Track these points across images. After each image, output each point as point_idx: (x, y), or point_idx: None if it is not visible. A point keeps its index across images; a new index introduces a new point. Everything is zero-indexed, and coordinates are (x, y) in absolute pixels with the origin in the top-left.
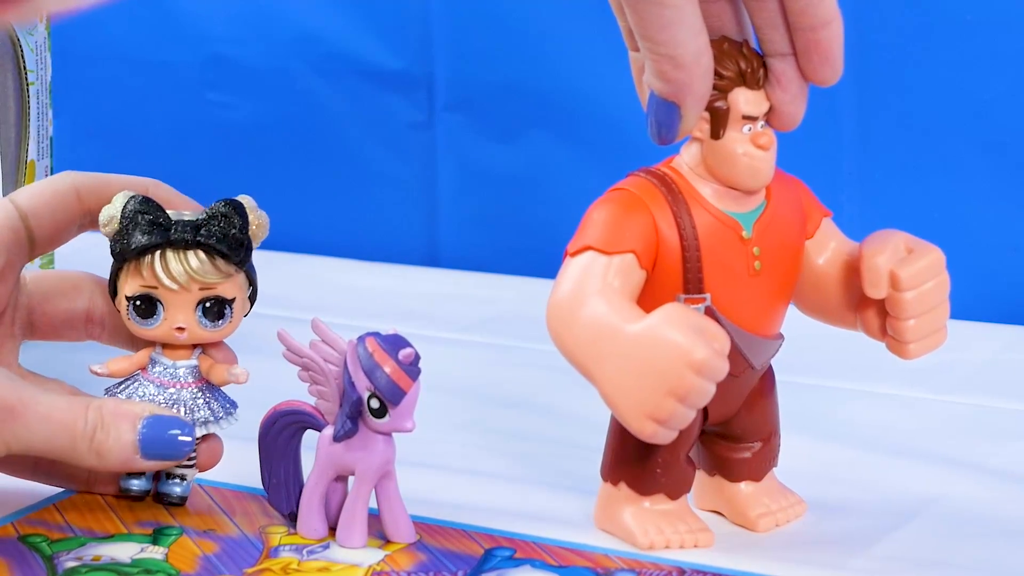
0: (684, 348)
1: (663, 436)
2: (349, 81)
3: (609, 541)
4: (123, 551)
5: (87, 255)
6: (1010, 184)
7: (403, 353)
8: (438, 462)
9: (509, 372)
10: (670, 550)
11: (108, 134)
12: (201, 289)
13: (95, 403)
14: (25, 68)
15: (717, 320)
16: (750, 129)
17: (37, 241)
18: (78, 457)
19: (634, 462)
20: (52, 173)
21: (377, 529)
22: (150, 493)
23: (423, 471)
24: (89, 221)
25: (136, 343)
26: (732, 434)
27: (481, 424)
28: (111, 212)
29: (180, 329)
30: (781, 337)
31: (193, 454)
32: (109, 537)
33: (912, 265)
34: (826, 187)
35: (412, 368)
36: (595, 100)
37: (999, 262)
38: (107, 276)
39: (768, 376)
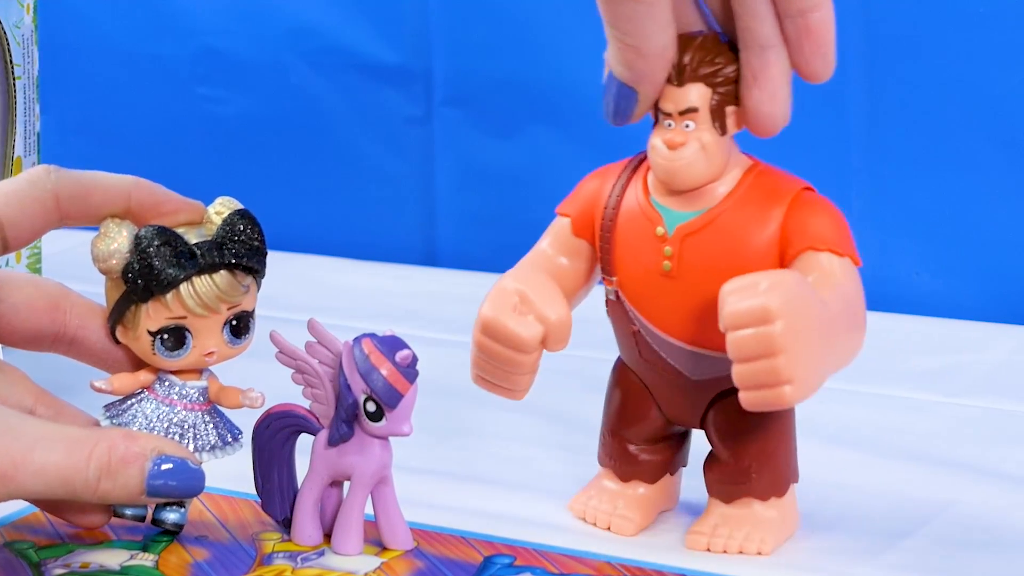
0: (480, 310)
1: (501, 394)
2: (344, 75)
3: (611, 548)
4: (112, 558)
5: (72, 254)
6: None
7: (400, 355)
8: (436, 467)
9: None
10: (586, 524)
11: (96, 129)
12: (229, 309)
13: (100, 447)
14: (11, 62)
15: (624, 310)
16: (671, 125)
17: (10, 245)
18: (81, 502)
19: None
20: None
21: (373, 536)
22: (145, 519)
23: (420, 476)
24: (62, 221)
25: (110, 365)
26: (714, 447)
27: (480, 428)
28: (111, 247)
29: (210, 354)
30: None
31: None
32: (98, 544)
33: (736, 303)
34: (835, 183)
35: (409, 370)
36: (595, 95)
37: (1011, 261)
38: (77, 284)
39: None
